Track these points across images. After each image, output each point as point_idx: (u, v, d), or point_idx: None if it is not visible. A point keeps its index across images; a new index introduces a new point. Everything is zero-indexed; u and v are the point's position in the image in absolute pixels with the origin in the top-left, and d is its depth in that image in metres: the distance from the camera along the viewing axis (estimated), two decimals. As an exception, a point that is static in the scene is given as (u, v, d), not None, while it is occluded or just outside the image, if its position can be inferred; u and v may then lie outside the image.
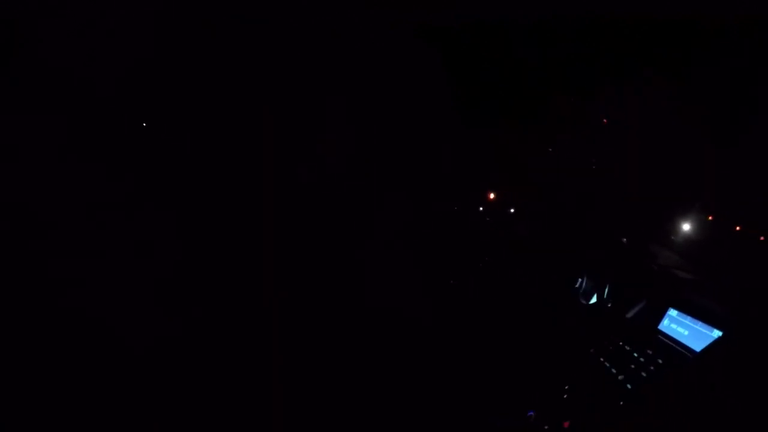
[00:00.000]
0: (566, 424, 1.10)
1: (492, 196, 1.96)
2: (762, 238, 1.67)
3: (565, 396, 1.20)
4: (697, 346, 1.14)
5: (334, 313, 1.71)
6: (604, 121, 1.82)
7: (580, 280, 1.67)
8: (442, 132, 1.89)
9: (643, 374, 1.13)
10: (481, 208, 1.97)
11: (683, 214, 1.71)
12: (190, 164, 1.75)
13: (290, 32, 1.76)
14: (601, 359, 1.24)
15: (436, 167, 1.88)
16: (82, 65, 1.66)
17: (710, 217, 1.77)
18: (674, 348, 1.17)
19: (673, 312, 1.27)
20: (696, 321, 1.18)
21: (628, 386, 1.12)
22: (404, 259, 1.80)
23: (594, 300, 1.61)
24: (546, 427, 1.14)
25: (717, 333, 1.12)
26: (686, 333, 1.19)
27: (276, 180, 1.80)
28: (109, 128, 1.70)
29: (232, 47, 1.74)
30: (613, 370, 1.18)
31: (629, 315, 1.41)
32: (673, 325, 1.25)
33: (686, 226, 1.72)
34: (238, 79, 1.77)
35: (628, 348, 1.24)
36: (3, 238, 1.59)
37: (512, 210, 1.93)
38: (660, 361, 1.14)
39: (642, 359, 1.18)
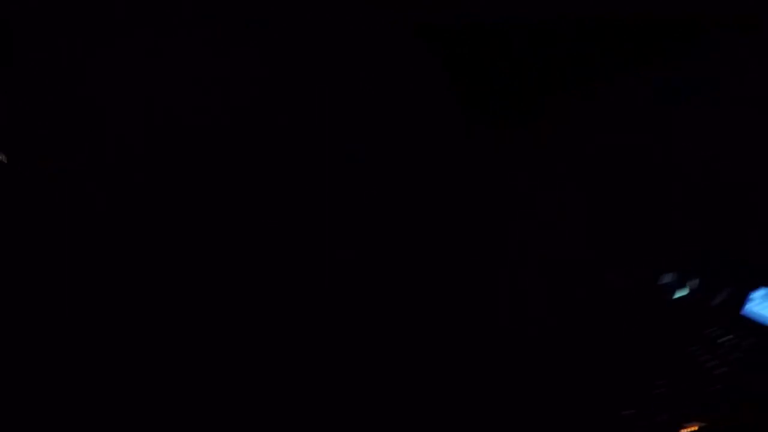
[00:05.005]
0: (665, 420, 1.10)
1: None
2: None
3: (660, 391, 1.22)
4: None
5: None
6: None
7: (666, 275, 1.65)
8: (444, 132, 1.89)
9: (735, 358, 1.14)
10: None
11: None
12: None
13: (288, 32, 1.76)
14: (692, 349, 1.25)
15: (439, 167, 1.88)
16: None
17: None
18: (764, 327, 1.18)
19: (759, 292, 1.27)
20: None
21: (722, 372, 1.12)
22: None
23: (681, 293, 1.60)
24: (644, 425, 1.15)
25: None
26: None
27: (277, 183, 1.80)
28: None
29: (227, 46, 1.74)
30: (704, 359, 1.19)
31: (716, 303, 1.41)
32: (763, 305, 1.25)
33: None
34: (235, 79, 1.77)
35: (717, 335, 1.25)
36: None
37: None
38: (751, 342, 1.14)
39: (732, 343, 1.19)
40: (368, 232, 1.80)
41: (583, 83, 1.84)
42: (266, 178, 1.78)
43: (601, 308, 1.67)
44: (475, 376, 1.70)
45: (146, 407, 1.58)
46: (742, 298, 1.31)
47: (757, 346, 1.15)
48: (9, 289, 1.58)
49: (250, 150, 1.77)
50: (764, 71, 1.71)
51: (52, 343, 1.58)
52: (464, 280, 1.82)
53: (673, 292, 1.64)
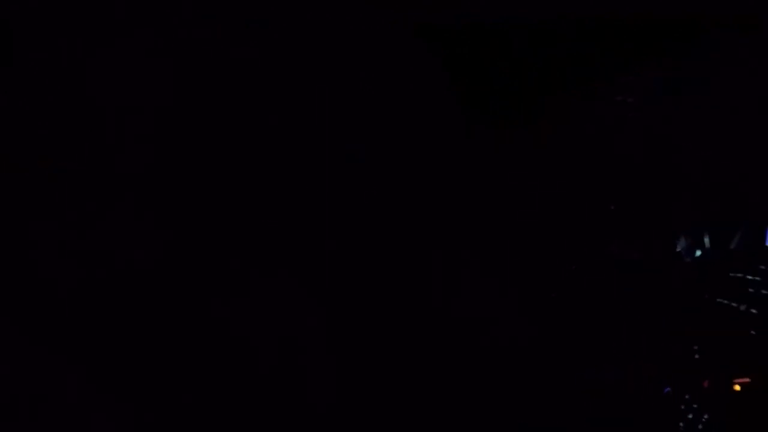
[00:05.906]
0: (705, 384, 1.06)
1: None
2: None
3: (696, 356, 1.18)
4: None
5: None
6: None
7: (678, 240, 1.61)
8: (445, 132, 1.89)
9: (764, 292, 1.10)
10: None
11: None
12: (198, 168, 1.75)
13: (288, 32, 1.76)
14: (718, 300, 1.21)
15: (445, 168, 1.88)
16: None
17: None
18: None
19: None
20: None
21: (754, 311, 1.09)
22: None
23: (699, 253, 1.56)
24: (687, 397, 1.11)
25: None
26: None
27: (275, 182, 1.80)
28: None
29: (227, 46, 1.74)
30: (733, 305, 1.15)
31: (733, 246, 1.38)
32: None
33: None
34: (236, 81, 1.77)
35: (741, 275, 1.20)
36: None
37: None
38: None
39: (758, 278, 1.14)
40: (368, 233, 1.80)
41: (583, 83, 1.85)
42: (266, 178, 1.78)
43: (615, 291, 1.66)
44: (475, 376, 1.70)
45: (146, 408, 1.58)
46: (758, 237, 1.28)
47: None
48: (9, 290, 1.58)
49: (250, 150, 1.77)
50: (764, 71, 1.71)
51: (51, 343, 1.58)
52: (464, 280, 1.82)
53: (690, 254, 1.58)
